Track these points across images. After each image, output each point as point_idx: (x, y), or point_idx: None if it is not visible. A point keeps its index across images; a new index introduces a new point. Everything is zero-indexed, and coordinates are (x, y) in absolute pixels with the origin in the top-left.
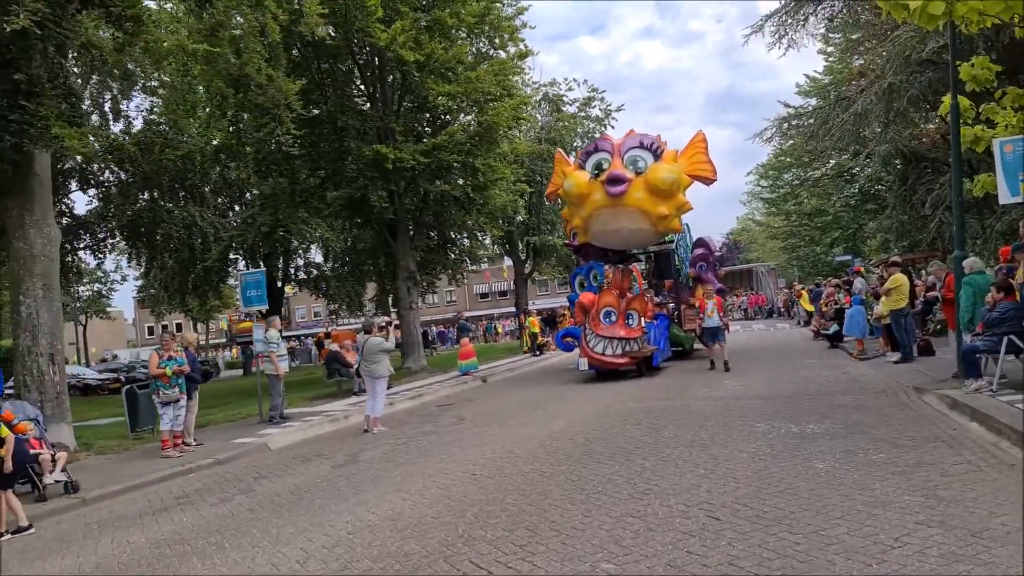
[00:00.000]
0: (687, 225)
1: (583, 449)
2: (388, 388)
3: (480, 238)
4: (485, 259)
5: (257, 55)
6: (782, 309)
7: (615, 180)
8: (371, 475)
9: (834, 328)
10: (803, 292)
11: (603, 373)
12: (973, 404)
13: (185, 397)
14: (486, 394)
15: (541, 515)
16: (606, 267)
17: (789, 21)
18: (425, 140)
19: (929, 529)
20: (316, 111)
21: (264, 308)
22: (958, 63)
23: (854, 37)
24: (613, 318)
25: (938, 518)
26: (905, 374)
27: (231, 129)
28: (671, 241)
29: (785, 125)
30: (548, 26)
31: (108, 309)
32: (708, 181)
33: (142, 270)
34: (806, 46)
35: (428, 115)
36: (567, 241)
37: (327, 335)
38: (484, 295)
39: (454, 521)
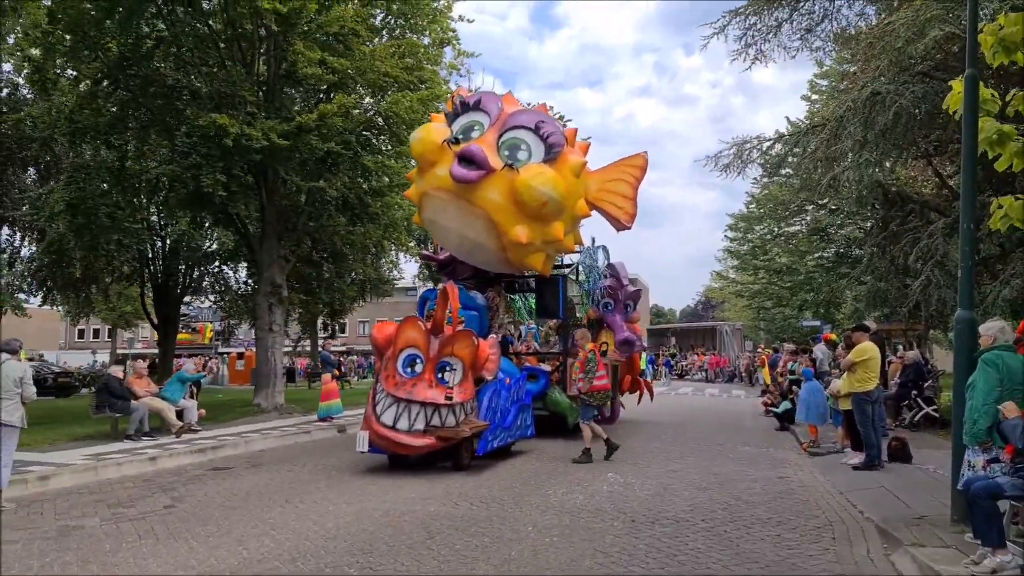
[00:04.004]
0: (603, 248)
1: None
2: (192, 429)
3: (387, 257)
4: (397, 282)
5: None
6: (743, 374)
7: (467, 159)
8: None
9: (784, 405)
10: (765, 357)
11: (398, 458)
12: None
13: None
14: (277, 462)
15: None
16: (448, 285)
17: (758, 26)
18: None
19: None
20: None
21: None
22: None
23: (842, 87)
24: (418, 368)
25: None
26: (867, 494)
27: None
28: (566, 265)
29: (746, 153)
30: (547, 75)
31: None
32: (618, 224)
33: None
34: (776, 62)
35: (302, 90)
36: (425, 252)
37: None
38: None
39: None
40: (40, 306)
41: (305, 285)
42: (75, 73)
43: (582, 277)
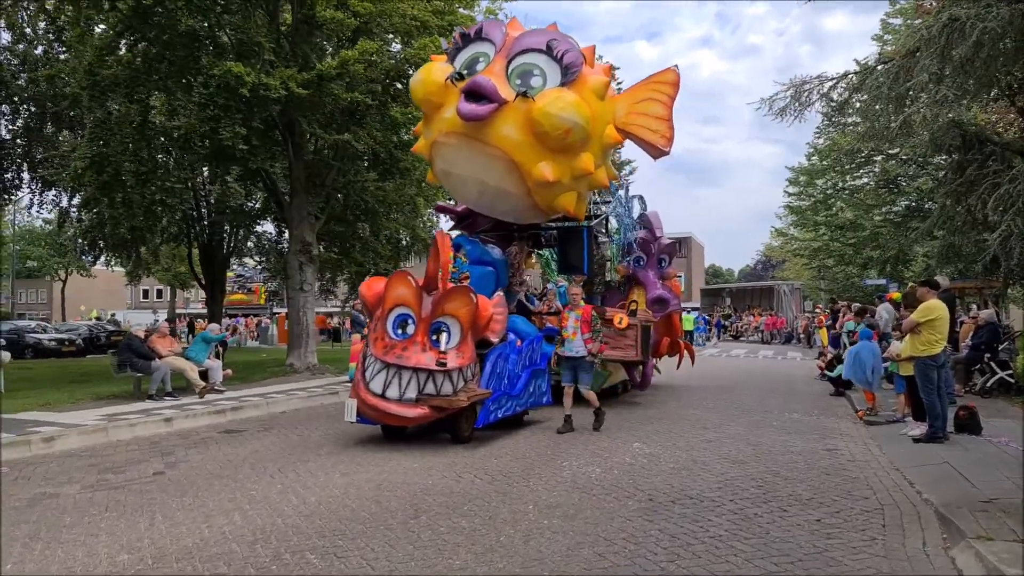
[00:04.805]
0: (638, 198)
1: None
2: (216, 389)
3: (423, 215)
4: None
5: None
6: (801, 335)
7: (475, 93)
8: None
9: (840, 369)
10: (824, 318)
11: (392, 430)
12: None
13: None
14: (291, 424)
15: None
16: (438, 234)
17: None
18: (314, 68)
19: None
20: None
21: None
22: None
23: (917, 23)
24: (410, 329)
25: None
26: (927, 470)
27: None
28: (596, 216)
29: (805, 96)
30: (604, 29)
31: (88, 266)
32: (655, 151)
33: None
34: None
35: (334, 40)
36: (442, 204)
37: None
38: None
39: None
40: (92, 265)
41: (340, 244)
42: (102, 27)
43: (612, 227)
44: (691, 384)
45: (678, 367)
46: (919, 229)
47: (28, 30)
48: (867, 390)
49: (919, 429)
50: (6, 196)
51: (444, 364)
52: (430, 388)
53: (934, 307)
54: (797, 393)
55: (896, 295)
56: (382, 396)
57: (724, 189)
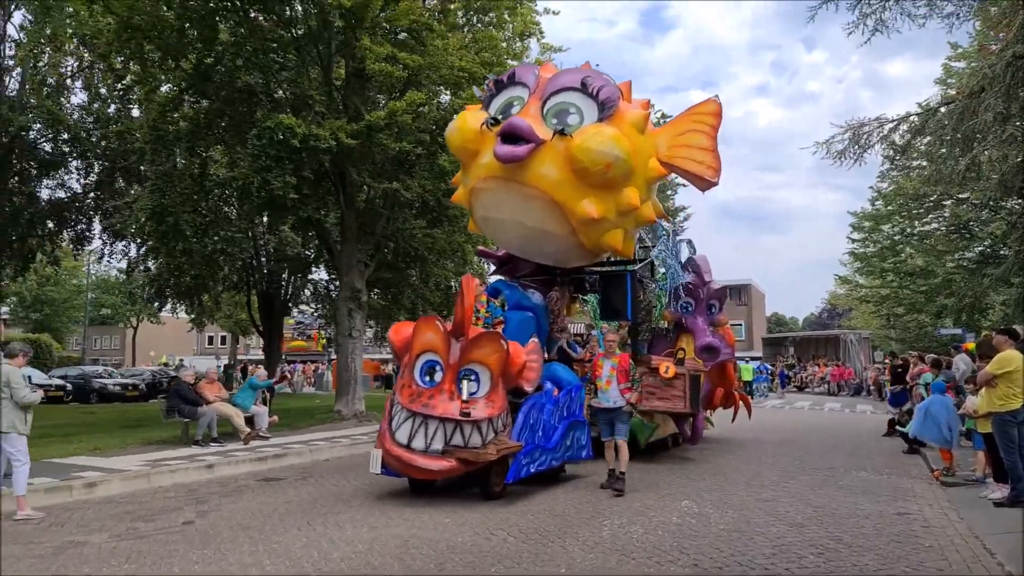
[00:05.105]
0: (688, 242)
1: None
2: (261, 435)
3: (471, 261)
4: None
5: None
6: (871, 387)
7: (511, 135)
8: None
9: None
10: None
11: (419, 483)
12: None
13: None
14: (329, 473)
15: None
16: (464, 278)
17: None
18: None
19: None
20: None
21: None
22: None
23: (975, 66)
24: (437, 377)
25: None
26: (1010, 539)
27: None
28: (640, 260)
29: (864, 138)
30: (659, 79)
31: (160, 314)
32: (702, 183)
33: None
34: (900, 32)
35: (385, 92)
36: (483, 249)
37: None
38: None
39: None
40: (160, 312)
41: (392, 290)
42: (167, 87)
43: (659, 273)
44: (749, 438)
45: (733, 420)
46: (993, 276)
47: (103, 90)
48: (943, 448)
49: (1000, 492)
50: (79, 246)
51: (468, 414)
52: (457, 439)
53: (1011, 358)
54: (866, 449)
55: (971, 345)
56: (407, 447)
57: (786, 236)
